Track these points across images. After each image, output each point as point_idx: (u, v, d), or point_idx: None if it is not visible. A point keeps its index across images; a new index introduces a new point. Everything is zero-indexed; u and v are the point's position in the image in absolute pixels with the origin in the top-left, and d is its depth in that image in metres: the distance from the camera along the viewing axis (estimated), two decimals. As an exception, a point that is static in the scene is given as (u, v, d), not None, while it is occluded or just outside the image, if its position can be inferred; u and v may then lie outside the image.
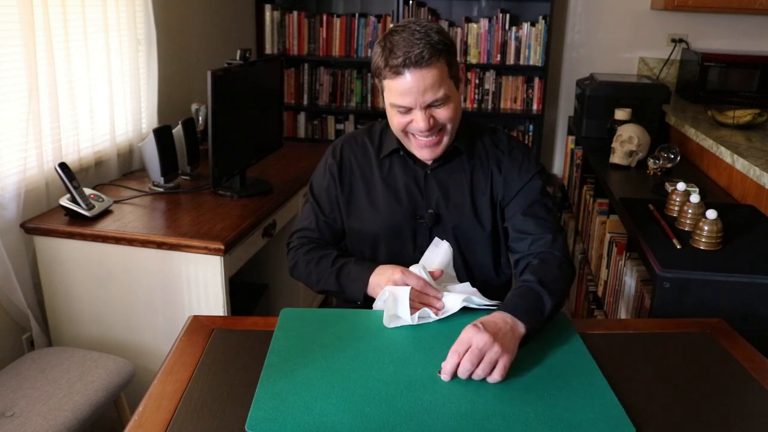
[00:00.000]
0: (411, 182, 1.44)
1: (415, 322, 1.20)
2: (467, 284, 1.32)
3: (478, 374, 1.04)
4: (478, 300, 1.24)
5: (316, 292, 1.44)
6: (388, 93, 1.31)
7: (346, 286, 1.34)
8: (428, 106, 1.29)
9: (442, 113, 1.30)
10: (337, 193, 1.48)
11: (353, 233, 1.49)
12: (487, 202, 1.42)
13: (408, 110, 1.29)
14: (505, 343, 1.06)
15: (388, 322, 1.21)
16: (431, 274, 1.28)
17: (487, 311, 1.19)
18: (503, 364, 1.04)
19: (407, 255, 1.44)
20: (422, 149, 1.36)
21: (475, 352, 1.04)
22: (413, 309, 1.21)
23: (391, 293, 1.23)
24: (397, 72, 1.25)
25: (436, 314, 1.22)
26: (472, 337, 1.05)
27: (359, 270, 1.34)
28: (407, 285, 1.23)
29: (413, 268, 1.27)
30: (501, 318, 1.12)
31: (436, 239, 1.38)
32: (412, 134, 1.34)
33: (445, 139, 1.35)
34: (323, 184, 1.49)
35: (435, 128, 1.31)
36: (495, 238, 1.45)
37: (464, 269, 1.44)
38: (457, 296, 1.24)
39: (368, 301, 1.31)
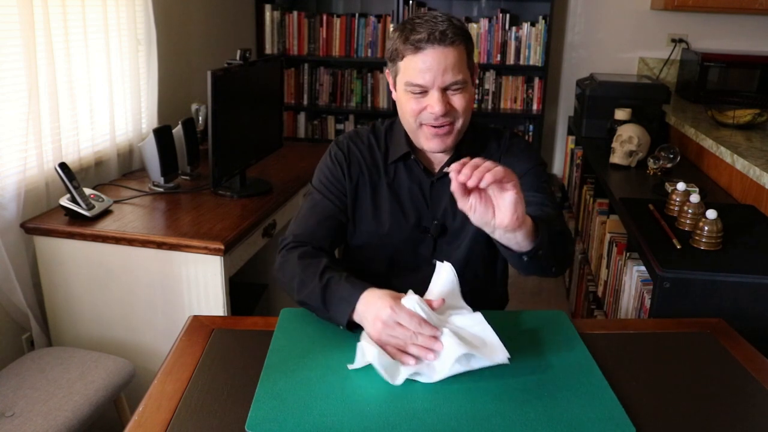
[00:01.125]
0: (416, 191, 1.39)
1: (398, 383, 1.02)
2: (477, 315, 1.13)
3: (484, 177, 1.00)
4: (479, 361, 1.04)
5: (296, 301, 1.26)
6: (404, 73, 1.25)
7: (331, 307, 1.17)
8: (445, 89, 1.24)
9: (458, 100, 1.25)
10: (345, 184, 1.39)
11: (352, 236, 1.43)
12: None
13: (423, 93, 1.25)
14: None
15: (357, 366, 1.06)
16: (429, 304, 1.09)
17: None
18: (504, 176, 1.01)
19: (408, 264, 1.41)
20: (432, 139, 1.29)
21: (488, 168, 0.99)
22: (405, 355, 1.05)
23: (364, 350, 1.05)
24: (418, 48, 1.21)
25: (434, 359, 1.04)
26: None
27: (347, 290, 1.16)
28: (398, 322, 1.06)
29: (406, 301, 1.08)
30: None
31: (438, 263, 1.20)
32: (423, 123, 1.28)
33: (456, 130, 1.29)
34: (330, 178, 1.40)
35: (449, 115, 1.26)
36: (491, 241, 1.42)
37: (470, 278, 1.39)
38: (455, 348, 1.03)
39: (351, 326, 1.16)
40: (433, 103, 1.24)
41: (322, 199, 1.39)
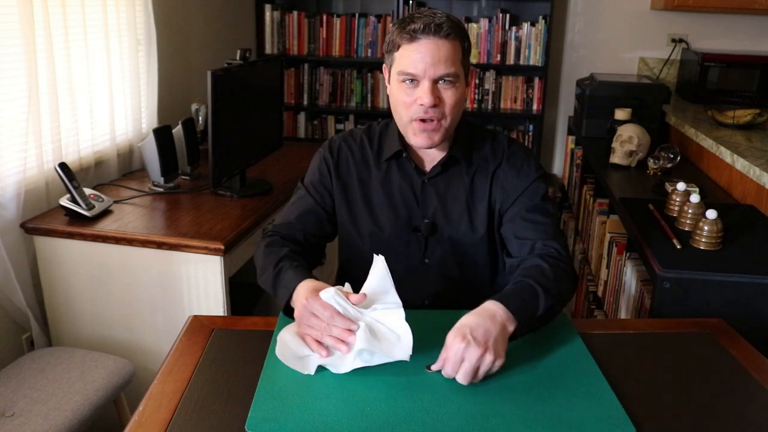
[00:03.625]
0: (408, 190, 1.39)
1: (309, 372, 1.06)
2: (400, 311, 1.10)
3: (472, 382, 1.03)
4: (380, 357, 1.06)
5: (259, 284, 1.32)
6: (398, 62, 1.26)
7: (278, 290, 1.23)
8: (436, 82, 1.24)
9: (448, 95, 1.25)
10: (332, 184, 1.42)
11: (345, 235, 1.44)
12: (484, 209, 1.38)
13: (415, 84, 1.25)
14: (497, 348, 1.04)
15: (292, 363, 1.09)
16: (348, 297, 1.10)
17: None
18: (495, 369, 1.04)
19: (399, 263, 1.38)
20: (420, 134, 1.29)
21: (468, 369, 1.01)
22: (319, 345, 1.08)
23: (282, 341, 1.12)
24: (413, 37, 1.23)
25: (346, 351, 1.06)
26: (463, 352, 1.02)
27: (290, 278, 1.21)
28: (312, 313, 1.10)
29: (324, 294, 1.10)
30: (491, 315, 1.08)
31: (375, 256, 1.19)
32: (413, 119, 1.28)
33: (444, 127, 1.29)
34: (316, 176, 1.43)
35: (437, 109, 1.26)
36: (491, 245, 1.41)
37: (461, 279, 1.40)
38: (359, 341, 1.05)
39: (289, 312, 1.20)
40: (423, 94, 1.24)
41: (305, 195, 1.44)
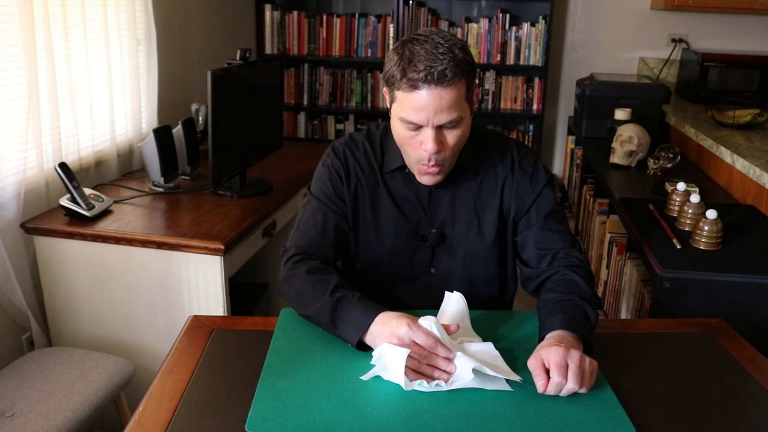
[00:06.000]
0: (414, 199, 1.36)
1: (408, 388, 1.03)
2: (489, 344, 1.14)
3: (580, 389, 1.03)
4: (491, 373, 1.04)
5: (301, 315, 1.24)
6: (399, 106, 1.22)
7: (340, 324, 1.15)
8: (439, 127, 1.20)
9: (452, 137, 1.22)
10: (345, 193, 1.36)
11: (353, 244, 1.40)
12: (494, 217, 1.36)
13: (417, 127, 1.21)
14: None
15: (372, 375, 1.07)
16: (446, 328, 1.10)
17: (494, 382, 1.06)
18: (595, 373, 1.05)
19: (405, 272, 1.39)
20: (423, 176, 1.28)
21: (576, 370, 1.01)
22: (419, 374, 1.05)
23: (386, 353, 1.07)
24: (414, 86, 1.16)
25: (446, 381, 1.04)
26: (565, 356, 1.03)
27: (360, 310, 1.15)
28: (414, 340, 1.07)
29: (423, 321, 1.09)
30: (567, 338, 1.11)
31: (447, 293, 1.23)
32: (417, 161, 1.26)
33: (447, 167, 1.28)
34: (329, 186, 1.37)
35: (441, 154, 1.24)
36: (500, 254, 1.39)
37: (469, 289, 1.36)
38: (470, 362, 1.04)
39: (361, 347, 1.14)
40: (426, 140, 1.21)
41: (323, 207, 1.36)
